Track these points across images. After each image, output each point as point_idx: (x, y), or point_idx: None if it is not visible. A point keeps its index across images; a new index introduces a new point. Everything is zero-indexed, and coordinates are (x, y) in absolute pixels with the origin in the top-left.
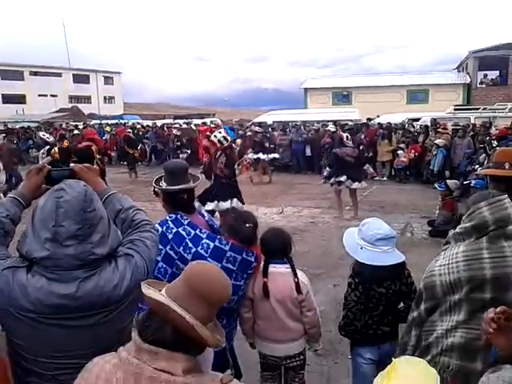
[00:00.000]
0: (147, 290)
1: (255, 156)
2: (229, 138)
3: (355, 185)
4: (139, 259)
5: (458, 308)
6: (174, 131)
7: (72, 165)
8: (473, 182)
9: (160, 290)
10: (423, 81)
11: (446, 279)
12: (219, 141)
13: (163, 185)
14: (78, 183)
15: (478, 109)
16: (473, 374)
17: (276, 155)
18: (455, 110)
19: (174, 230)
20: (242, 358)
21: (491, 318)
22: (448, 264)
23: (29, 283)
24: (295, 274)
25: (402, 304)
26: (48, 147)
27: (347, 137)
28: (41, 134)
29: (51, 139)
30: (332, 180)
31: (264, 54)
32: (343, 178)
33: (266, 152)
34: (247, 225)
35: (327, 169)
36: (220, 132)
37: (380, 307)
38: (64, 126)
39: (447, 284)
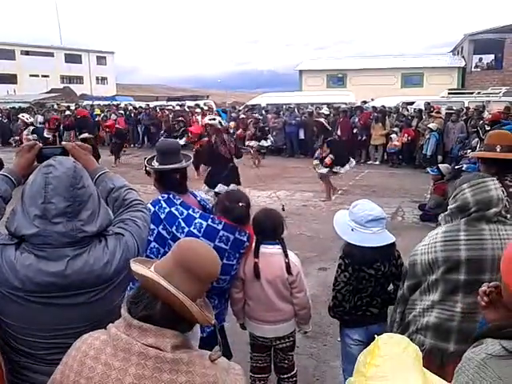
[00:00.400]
0: (136, 267)
1: (258, 143)
2: (223, 122)
3: (343, 169)
4: (130, 238)
5: (435, 288)
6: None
7: (64, 143)
8: (465, 166)
9: (149, 267)
10: (418, 64)
11: (426, 258)
12: (220, 123)
13: (155, 164)
14: (67, 159)
15: (472, 93)
16: (445, 354)
17: (269, 142)
18: (449, 93)
19: (167, 210)
20: (232, 339)
21: (484, 291)
22: (428, 244)
23: (17, 261)
24: (286, 255)
25: (391, 286)
26: (32, 128)
27: (328, 122)
28: (20, 115)
29: (30, 120)
30: (341, 170)
31: (259, 35)
32: (343, 169)
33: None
34: (240, 204)
35: (331, 156)
36: (215, 118)
37: (369, 288)
38: (55, 106)
39: (426, 263)
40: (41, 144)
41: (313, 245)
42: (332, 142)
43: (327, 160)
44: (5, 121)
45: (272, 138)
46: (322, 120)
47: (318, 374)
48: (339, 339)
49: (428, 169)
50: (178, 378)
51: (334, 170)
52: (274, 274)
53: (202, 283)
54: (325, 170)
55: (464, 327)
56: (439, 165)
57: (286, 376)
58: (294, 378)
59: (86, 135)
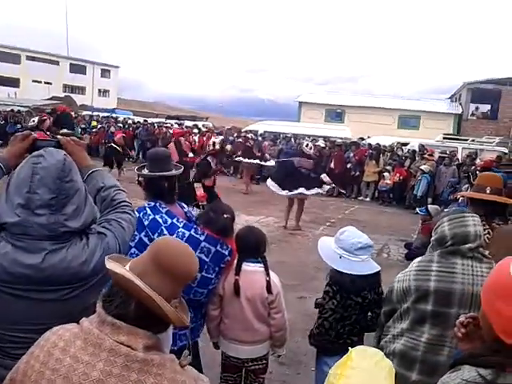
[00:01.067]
0: (110, 264)
1: (246, 160)
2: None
3: (309, 192)
4: (112, 239)
5: (406, 316)
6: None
7: (59, 137)
8: (453, 209)
9: (125, 265)
10: (416, 107)
11: (401, 286)
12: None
13: (145, 172)
14: (58, 152)
15: (466, 140)
16: (407, 383)
17: (269, 163)
18: (444, 138)
19: (151, 217)
20: (205, 358)
21: (461, 322)
22: (406, 272)
23: None
24: (268, 274)
25: (369, 313)
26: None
27: (307, 145)
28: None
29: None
30: (288, 193)
31: (264, 65)
32: (298, 191)
33: (254, 158)
34: (225, 216)
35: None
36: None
37: (353, 316)
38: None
39: (401, 291)
40: (35, 135)
41: (295, 273)
42: (281, 163)
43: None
44: (1, 122)
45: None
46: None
47: None
48: (313, 368)
49: (417, 209)
50: (146, 379)
51: (285, 193)
52: (254, 292)
53: (177, 282)
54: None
55: (428, 358)
56: (428, 205)
57: None
58: None
59: (65, 131)
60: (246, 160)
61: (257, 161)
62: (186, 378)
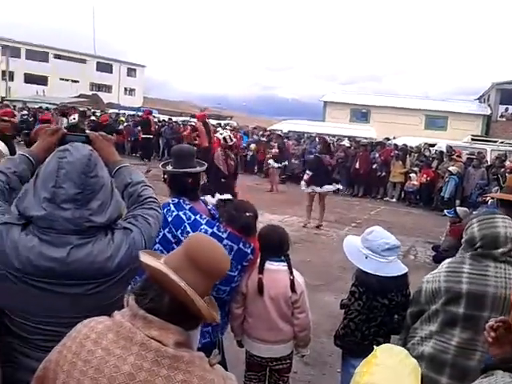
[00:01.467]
0: (145, 258)
1: (277, 165)
2: (228, 139)
3: (326, 188)
4: (138, 235)
5: (435, 318)
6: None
7: (88, 131)
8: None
9: (158, 260)
10: (443, 107)
11: (430, 287)
12: (224, 138)
13: (169, 168)
14: (84, 146)
15: (495, 141)
16: None
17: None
18: (472, 140)
19: (175, 213)
20: (228, 355)
21: (491, 326)
22: (435, 273)
23: (20, 241)
24: (291, 272)
25: (396, 316)
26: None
27: (333, 143)
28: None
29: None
30: (310, 189)
31: (288, 63)
32: (318, 189)
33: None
34: (247, 214)
35: (307, 172)
36: (222, 133)
37: (379, 318)
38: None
39: (430, 292)
40: (65, 130)
41: (320, 273)
42: (313, 159)
43: (305, 177)
44: (30, 119)
45: (286, 162)
46: (326, 137)
47: None
48: (339, 370)
49: (445, 211)
50: (175, 375)
51: (310, 188)
52: (278, 291)
53: (210, 279)
54: (304, 187)
55: (458, 362)
56: (457, 207)
57: None
58: None
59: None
60: (277, 165)
61: (285, 163)
62: (215, 376)
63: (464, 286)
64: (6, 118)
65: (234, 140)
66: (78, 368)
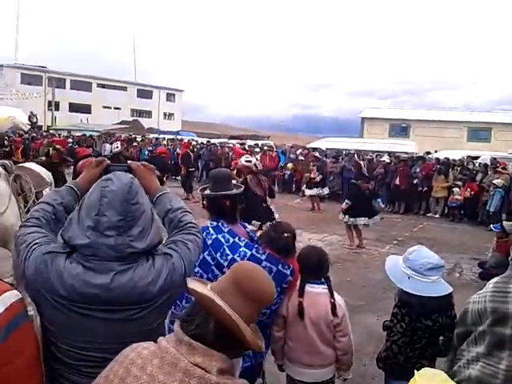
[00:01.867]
0: (192, 284)
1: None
2: (257, 164)
3: (361, 220)
4: (178, 260)
5: (482, 340)
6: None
7: (130, 161)
8: None
9: (205, 286)
10: (486, 118)
11: (476, 308)
12: (255, 165)
13: (207, 192)
14: (125, 175)
15: None
16: None
17: (326, 190)
18: None
19: (214, 237)
20: (269, 378)
21: None
22: (481, 293)
23: (65, 269)
24: (332, 295)
25: (441, 337)
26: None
27: (364, 165)
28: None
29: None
30: (350, 220)
31: (325, 81)
32: (362, 221)
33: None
34: (285, 235)
35: (346, 201)
36: (250, 160)
37: (423, 340)
38: (122, 137)
39: (476, 313)
40: (108, 161)
41: (362, 293)
42: (353, 186)
43: (343, 205)
44: (75, 146)
45: (327, 188)
46: (361, 162)
47: None
48: None
49: (491, 225)
50: None
51: (346, 219)
52: (319, 315)
53: (256, 306)
54: (341, 217)
55: None
56: (504, 222)
57: None
58: None
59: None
60: (310, 192)
61: (318, 190)
62: None
63: (511, 306)
64: (58, 147)
65: (261, 165)
66: None
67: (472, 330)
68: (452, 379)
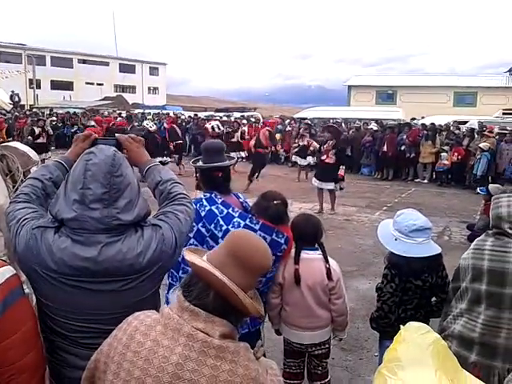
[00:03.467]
0: (190, 256)
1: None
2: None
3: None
4: (168, 231)
5: (465, 296)
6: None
7: (117, 135)
8: None
9: (202, 257)
10: (472, 83)
11: (462, 264)
12: (212, 127)
13: (200, 164)
14: (108, 148)
15: None
16: (465, 363)
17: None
18: (504, 114)
19: (207, 208)
20: (266, 345)
21: None
22: (468, 251)
23: (54, 243)
24: (327, 261)
25: (434, 298)
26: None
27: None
28: (145, 123)
29: (153, 128)
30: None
31: (309, 51)
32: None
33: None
34: (275, 202)
35: (342, 167)
36: (215, 121)
37: (414, 300)
38: (106, 113)
39: (463, 269)
40: (96, 135)
41: (353, 259)
42: (344, 151)
43: (341, 172)
44: (59, 125)
45: (312, 159)
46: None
47: None
48: (376, 354)
49: (478, 189)
50: (221, 364)
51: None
52: (315, 280)
53: (253, 275)
54: (305, 162)
55: (485, 340)
56: (490, 185)
57: (319, 383)
58: None
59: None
60: (302, 162)
61: (309, 159)
62: (259, 366)
63: (485, 262)
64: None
65: (222, 129)
66: (127, 359)
67: (460, 286)
68: (440, 334)
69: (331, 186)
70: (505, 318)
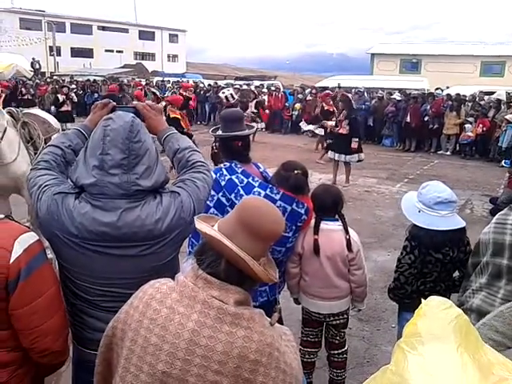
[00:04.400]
0: (200, 225)
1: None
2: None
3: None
4: (186, 197)
5: (485, 270)
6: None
7: (135, 102)
8: None
9: (213, 225)
10: (500, 51)
11: (483, 239)
12: (226, 97)
13: (219, 133)
14: (126, 114)
15: None
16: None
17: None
18: None
19: (227, 177)
20: (284, 314)
21: None
22: (489, 225)
23: (75, 209)
24: (347, 232)
25: (457, 272)
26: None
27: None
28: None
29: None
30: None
31: (331, 18)
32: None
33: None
34: (295, 172)
35: (354, 139)
36: (228, 90)
37: (434, 273)
38: (125, 81)
39: (483, 244)
40: (114, 103)
41: (373, 230)
42: (356, 121)
43: (353, 145)
44: (80, 92)
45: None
46: (350, 95)
47: (368, 356)
48: (394, 325)
49: (503, 161)
50: (237, 331)
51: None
52: (334, 251)
53: (264, 242)
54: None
55: None
56: None
57: (336, 352)
58: (345, 355)
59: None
60: (304, 127)
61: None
62: (274, 333)
63: (507, 237)
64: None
65: (236, 97)
66: (144, 326)
67: (480, 260)
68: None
69: (346, 158)
70: None
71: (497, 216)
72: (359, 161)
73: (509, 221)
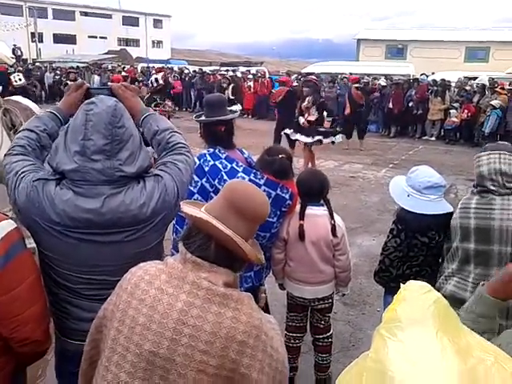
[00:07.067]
0: (187, 208)
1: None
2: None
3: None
4: (169, 181)
5: (456, 256)
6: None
7: (110, 83)
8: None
9: (200, 209)
10: (484, 37)
11: (453, 224)
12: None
13: (202, 118)
14: (109, 98)
15: None
16: None
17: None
18: None
19: (211, 163)
20: (269, 300)
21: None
22: (456, 211)
23: (56, 195)
24: (332, 217)
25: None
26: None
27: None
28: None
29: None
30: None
31: (317, 3)
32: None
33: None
34: (280, 156)
35: (328, 119)
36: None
37: (420, 257)
38: (110, 67)
39: (453, 228)
40: (88, 84)
41: (358, 216)
42: (324, 104)
43: (326, 124)
44: (63, 79)
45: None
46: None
47: (353, 340)
48: (379, 309)
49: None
50: (225, 312)
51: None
52: (319, 236)
53: (252, 223)
54: (306, 140)
55: None
56: (498, 142)
57: (321, 336)
58: (330, 340)
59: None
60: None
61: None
62: (262, 316)
63: (472, 221)
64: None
65: (161, 82)
66: (132, 306)
67: (452, 246)
68: None
69: (307, 139)
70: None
71: (462, 200)
72: (333, 142)
73: (472, 205)
